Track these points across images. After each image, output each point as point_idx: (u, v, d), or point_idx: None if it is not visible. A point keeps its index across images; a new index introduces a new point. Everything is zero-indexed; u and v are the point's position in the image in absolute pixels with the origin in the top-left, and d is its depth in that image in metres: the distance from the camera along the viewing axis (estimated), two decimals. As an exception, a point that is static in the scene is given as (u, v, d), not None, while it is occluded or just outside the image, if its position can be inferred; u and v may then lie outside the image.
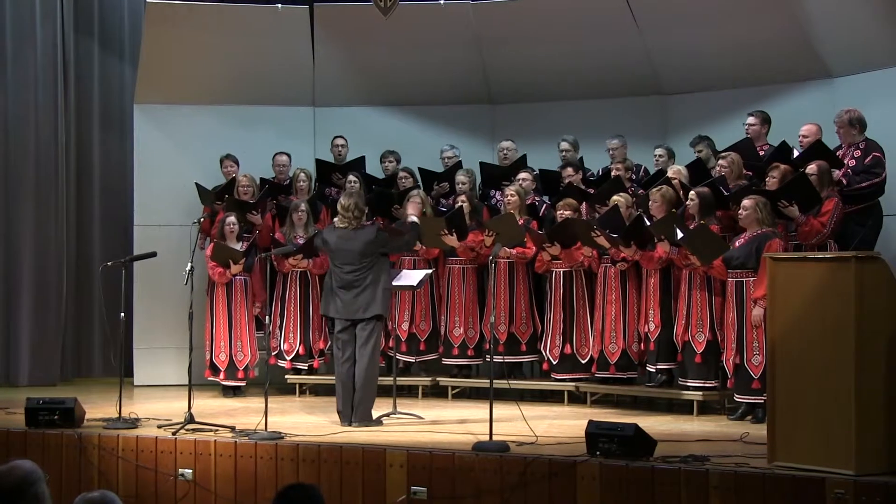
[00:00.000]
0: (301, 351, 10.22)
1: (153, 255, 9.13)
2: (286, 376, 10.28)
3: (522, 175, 10.08)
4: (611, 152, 10.20)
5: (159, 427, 7.87)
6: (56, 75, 11.28)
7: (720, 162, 9.06)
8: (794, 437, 6.15)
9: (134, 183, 11.30)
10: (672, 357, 8.83)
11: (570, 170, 10.00)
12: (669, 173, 9.31)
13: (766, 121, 9.39)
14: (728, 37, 10.14)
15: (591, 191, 9.80)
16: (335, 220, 8.43)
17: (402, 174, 10.48)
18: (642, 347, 9.09)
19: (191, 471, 7.34)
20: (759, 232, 8.21)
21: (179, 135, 11.27)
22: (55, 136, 11.24)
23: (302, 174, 10.56)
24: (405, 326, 10.04)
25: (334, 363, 8.42)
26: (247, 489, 7.21)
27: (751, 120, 9.38)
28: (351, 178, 10.35)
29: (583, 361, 9.42)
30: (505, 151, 10.59)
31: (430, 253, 9.99)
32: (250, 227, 10.34)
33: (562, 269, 9.48)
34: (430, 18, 10.84)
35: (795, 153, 8.93)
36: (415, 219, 8.66)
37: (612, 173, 9.80)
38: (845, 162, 8.66)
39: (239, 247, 10.01)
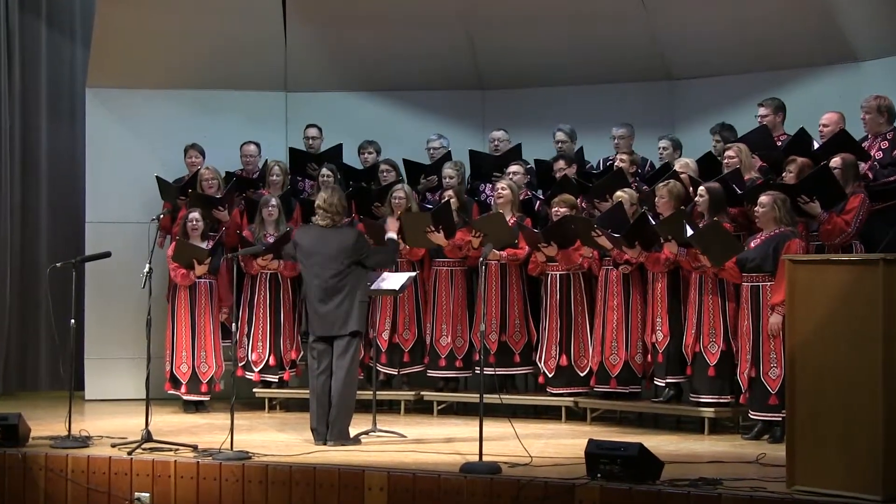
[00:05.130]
0: (271, 362, 10.19)
1: (107, 255, 9.09)
2: (254, 390, 10.26)
3: (514, 168, 10.06)
4: (616, 141, 10.19)
5: (113, 446, 7.82)
6: (-1, 57, 11.27)
7: (727, 153, 9.05)
8: (816, 459, 6.14)
9: (86, 175, 11.27)
10: (681, 369, 8.83)
11: (561, 162, 9.98)
12: (676, 167, 9.31)
13: (779, 108, 9.39)
14: (743, 16, 10.15)
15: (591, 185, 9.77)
16: (314, 218, 8.31)
17: (383, 167, 10.44)
18: (648, 359, 9.08)
19: (148, 494, 7.30)
20: (776, 231, 8.21)
21: (137, 122, 11.24)
22: (-2, 123, 11.23)
23: (276, 167, 10.51)
24: (386, 335, 10.02)
25: (308, 375, 8.39)
26: (210, 515, 7.19)
27: (763, 111, 9.37)
28: (324, 171, 10.32)
29: (581, 374, 9.41)
30: (496, 142, 10.57)
31: (414, 254, 9.96)
32: (216, 225, 10.30)
33: (558, 272, 9.47)
34: (414, -6, 10.85)
35: (815, 145, 8.93)
36: (393, 236, 8.59)
37: (616, 165, 9.77)
38: (871, 154, 8.66)
39: (204, 246, 9.98)
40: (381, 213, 10.03)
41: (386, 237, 8.55)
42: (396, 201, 9.93)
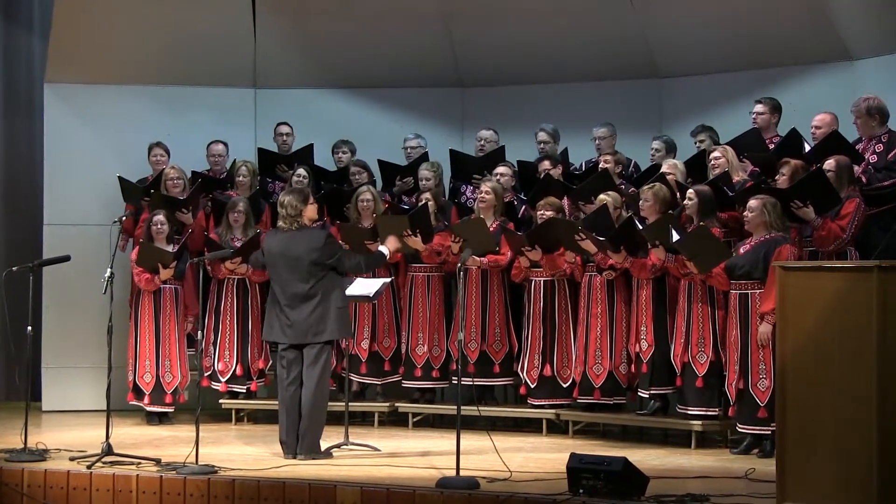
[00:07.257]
0: (238, 371, 10.17)
1: (66, 259, 9.05)
2: (221, 401, 10.23)
3: (501, 169, 10.05)
4: (597, 143, 10.21)
5: (72, 459, 7.80)
6: (-48, 50, 11.24)
7: (712, 154, 9.07)
8: (807, 474, 6.16)
9: (44, 175, 11.22)
10: (667, 380, 8.84)
11: (546, 163, 9.99)
12: (664, 168, 9.33)
13: (776, 109, 9.44)
14: (733, 12, 10.19)
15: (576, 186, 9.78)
16: (278, 221, 8.30)
17: (354, 168, 10.43)
18: (632, 369, 9.09)
19: (108, 511, 7.30)
20: (767, 237, 8.23)
21: (98, 120, 11.21)
22: (-49, 120, 11.19)
23: (244, 167, 10.50)
24: (365, 344, 10.00)
25: (277, 386, 8.37)
26: (174, 532, 7.17)
27: (759, 108, 9.42)
28: (300, 171, 10.30)
29: (564, 385, 9.42)
30: (483, 142, 10.56)
31: (395, 256, 9.93)
32: (181, 228, 10.27)
33: (542, 278, 9.47)
34: (390, -13, 10.86)
35: (807, 147, 8.96)
36: (385, 251, 8.54)
37: (601, 166, 9.78)
38: (866, 157, 8.70)
39: (169, 249, 9.95)
40: (350, 216, 10.01)
41: (378, 248, 8.56)
42: (364, 204, 9.91)
